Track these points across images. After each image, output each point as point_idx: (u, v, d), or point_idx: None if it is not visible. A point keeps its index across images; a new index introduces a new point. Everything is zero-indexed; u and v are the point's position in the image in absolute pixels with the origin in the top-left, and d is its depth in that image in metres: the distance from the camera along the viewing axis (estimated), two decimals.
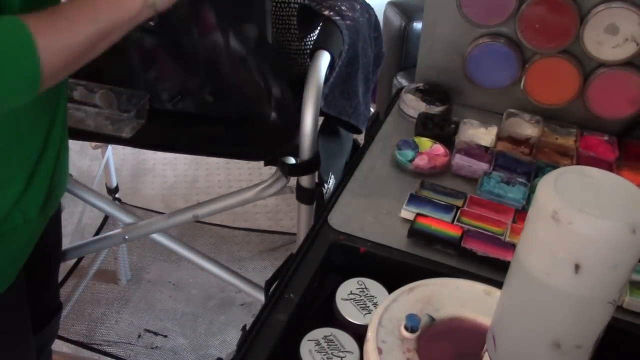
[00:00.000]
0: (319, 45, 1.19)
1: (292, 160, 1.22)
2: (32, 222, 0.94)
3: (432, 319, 0.68)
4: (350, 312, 0.75)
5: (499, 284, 0.63)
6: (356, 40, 1.25)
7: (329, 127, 1.30)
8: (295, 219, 1.70)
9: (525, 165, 0.99)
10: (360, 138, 1.29)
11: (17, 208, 0.89)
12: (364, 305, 0.75)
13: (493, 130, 1.06)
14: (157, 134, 1.25)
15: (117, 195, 1.92)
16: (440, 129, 1.07)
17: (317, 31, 1.29)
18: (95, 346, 1.83)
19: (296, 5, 1.32)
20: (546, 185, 0.51)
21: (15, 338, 1.02)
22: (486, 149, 1.02)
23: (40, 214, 0.96)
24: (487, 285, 0.72)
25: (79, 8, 0.76)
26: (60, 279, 1.65)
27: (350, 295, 0.77)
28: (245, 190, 1.29)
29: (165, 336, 1.87)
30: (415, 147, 1.02)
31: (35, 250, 0.99)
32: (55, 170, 0.96)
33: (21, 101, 0.77)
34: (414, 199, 0.91)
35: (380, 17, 2.12)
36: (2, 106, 0.75)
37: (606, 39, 1.02)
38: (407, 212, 0.89)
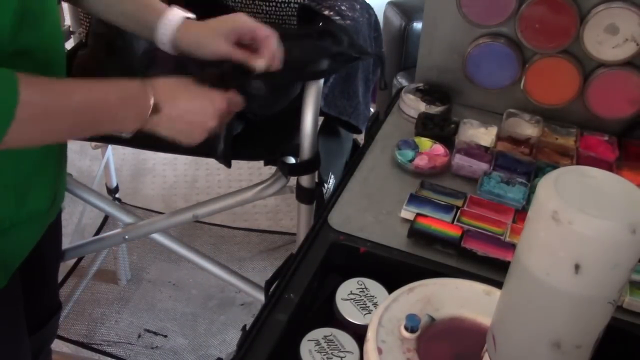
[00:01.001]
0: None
1: (292, 160, 1.22)
2: (31, 227, 0.94)
3: (432, 319, 0.68)
4: (350, 312, 0.75)
5: (499, 284, 0.63)
6: (356, 40, 1.25)
7: (329, 127, 1.30)
8: (295, 219, 1.70)
9: (525, 165, 0.99)
10: (360, 138, 1.29)
11: (15, 212, 0.89)
12: (364, 305, 0.75)
13: (493, 130, 1.06)
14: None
15: (117, 195, 1.92)
16: (440, 129, 1.07)
17: None
18: (95, 346, 1.83)
19: (296, 5, 1.32)
20: (546, 185, 0.51)
21: (7, 338, 1.02)
22: (486, 149, 1.02)
23: (41, 219, 0.95)
24: (487, 285, 0.72)
25: (83, 108, 0.76)
26: (60, 279, 1.65)
27: (350, 295, 0.77)
28: (245, 190, 1.29)
29: (165, 336, 1.87)
30: (415, 147, 1.02)
31: (35, 249, 0.99)
32: (60, 171, 0.96)
33: None
34: (414, 199, 0.91)
35: (380, 17, 2.12)
36: None
37: (606, 39, 1.02)
38: (407, 212, 0.89)
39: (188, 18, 0.95)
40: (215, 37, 0.92)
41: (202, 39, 0.94)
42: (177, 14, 0.94)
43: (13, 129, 0.69)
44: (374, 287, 0.78)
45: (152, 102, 0.79)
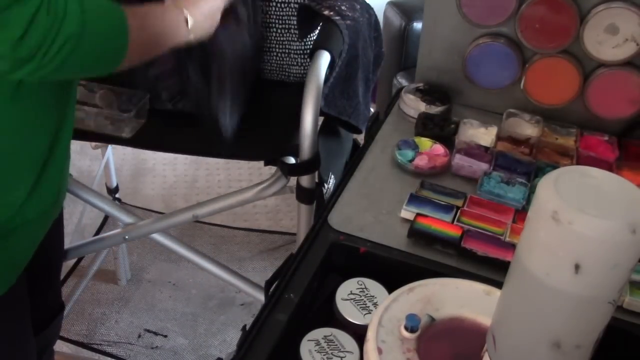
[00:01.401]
0: (319, 45, 1.19)
1: (292, 160, 1.22)
2: (37, 224, 0.94)
3: (432, 319, 0.68)
4: (350, 312, 0.75)
5: (499, 284, 0.63)
6: (356, 40, 1.25)
7: (329, 127, 1.30)
8: (295, 219, 1.70)
9: (525, 165, 0.99)
10: (360, 138, 1.29)
11: (23, 210, 0.89)
12: (364, 305, 0.75)
13: (493, 130, 1.06)
14: (157, 134, 1.25)
15: (117, 195, 1.92)
16: (440, 129, 1.07)
17: (317, 31, 1.29)
18: (95, 346, 1.83)
19: (296, 5, 1.32)
20: (546, 185, 0.51)
21: (15, 338, 1.02)
22: (486, 149, 1.02)
23: (46, 217, 0.96)
24: (487, 285, 0.72)
25: (166, 20, 0.93)
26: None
27: (350, 295, 0.77)
28: (245, 190, 1.29)
29: (165, 336, 1.87)
30: (415, 147, 1.02)
31: (38, 250, 0.99)
32: (63, 173, 0.96)
33: (108, 70, 0.86)
34: (414, 199, 0.91)
35: (380, 17, 2.12)
36: (97, 69, 0.84)
37: (606, 39, 1.02)
38: (407, 212, 0.89)
39: None
40: None
41: None
42: None
43: (130, 48, 0.84)
44: (374, 287, 0.78)
45: (185, 13, 0.95)
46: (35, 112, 0.85)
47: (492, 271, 0.81)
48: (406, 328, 0.65)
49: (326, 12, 1.23)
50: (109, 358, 1.81)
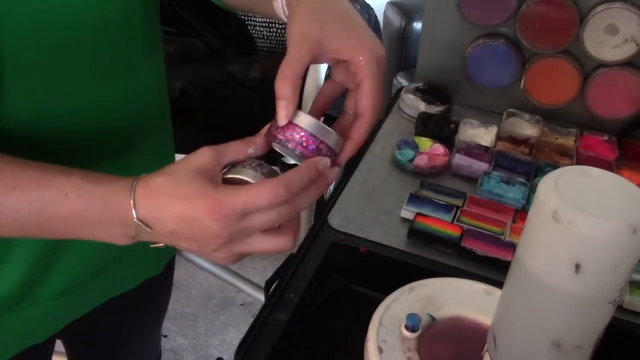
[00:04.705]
0: None
1: (292, 161, 1.22)
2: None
3: (433, 319, 0.68)
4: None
5: (498, 284, 0.63)
6: None
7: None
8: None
9: (525, 165, 0.99)
10: None
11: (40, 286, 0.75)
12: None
13: (493, 130, 1.07)
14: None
15: None
16: (440, 128, 1.07)
17: None
18: None
19: None
20: (546, 185, 0.51)
21: None
22: (486, 148, 1.02)
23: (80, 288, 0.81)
24: (487, 285, 0.72)
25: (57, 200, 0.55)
26: None
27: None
28: None
29: (165, 336, 1.87)
30: (415, 147, 1.02)
31: (145, 299, 0.94)
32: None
33: None
34: (414, 199, 0.91)
35: (380, 17, 2.11)
36: None
37: (606, 39, 1.02)
38: (407, 212, 0.89)
39: None
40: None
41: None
42: None
43: None
44: None
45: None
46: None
47: (492, 271, 0.81)
48: (407, 327, 0.65)
49: None
50: None
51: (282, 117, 0.58)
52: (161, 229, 0.55)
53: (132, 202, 0.54)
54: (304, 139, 0.58)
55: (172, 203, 0.54)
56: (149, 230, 0.55)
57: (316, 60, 0.60)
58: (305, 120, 0.58)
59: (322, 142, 0.58)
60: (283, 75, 0.58)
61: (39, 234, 0.58)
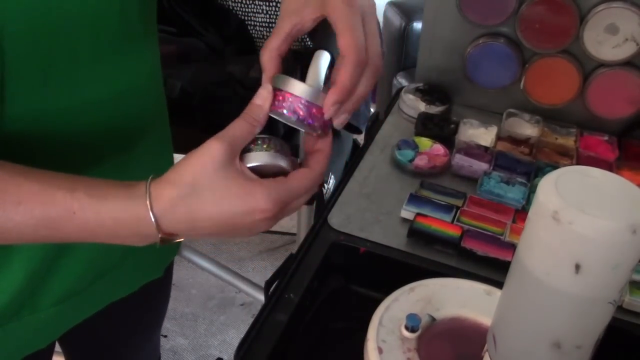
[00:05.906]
0: (319, 45, 1.18)
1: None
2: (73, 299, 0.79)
3: (433, 319, 0.68)
4: None
5: (498, 284, 0.63)
6: None
7: None
8: (295, 219, 1.70)
9: (525, 165, 0.99)
10: (360, 138, 1.29)
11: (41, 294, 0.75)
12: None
13: (493, 130, 1.07)
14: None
15: None
16: (440, 129, 1.07)
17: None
18: None
19: None
20: (547, 185, 0.51)
21: None
22: (486, 148, 1.02)
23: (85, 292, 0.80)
24: (488, 285, 0.72)
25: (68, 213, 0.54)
26: None
27: None
28: None
29: (165, 336, 1.87)
30: (415, 147, 1.02)
31: (145, 303, 0.94)
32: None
33: None
34: (414, 199, 0.91)
35: (380, 17, 2.11)
36: None
37: (606, 39, 1.02)
38: (407, 212, 0.89)
39: None
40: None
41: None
42: None
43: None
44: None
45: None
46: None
47: (492, 271, 0.81)
48: (407, 328, 0.65)
49: None
50: None
51: (264, 81, 0.62)
52: (195, 235, 0.57)
53: (153, 220, 0.54)
54: (300, 105, 0.61)
55: (209, 216, 0.55)
56: (178, 237, 0.56)
57: (300, 27, 0.64)
58: (298, 87, 0.61)
59: (317, 106, 0.61)
60: (264, 47, 0.62)
61: (50, 241, 0.58)
